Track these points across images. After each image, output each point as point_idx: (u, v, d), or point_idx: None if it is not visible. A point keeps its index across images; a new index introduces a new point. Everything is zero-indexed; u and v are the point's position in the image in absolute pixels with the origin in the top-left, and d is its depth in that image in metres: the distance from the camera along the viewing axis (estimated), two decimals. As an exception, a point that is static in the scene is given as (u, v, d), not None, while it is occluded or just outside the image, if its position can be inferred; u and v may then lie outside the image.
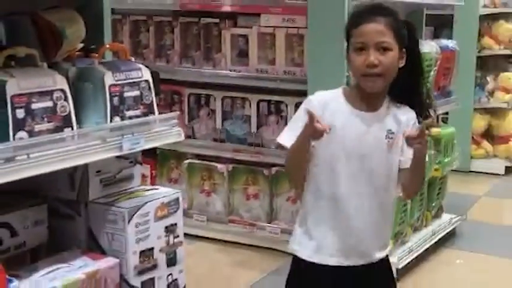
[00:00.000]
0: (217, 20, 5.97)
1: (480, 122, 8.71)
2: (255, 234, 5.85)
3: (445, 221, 6.12)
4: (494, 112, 8.83)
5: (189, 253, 5.47)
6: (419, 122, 2.97)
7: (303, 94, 4.97)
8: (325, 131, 2.64)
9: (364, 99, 2.88)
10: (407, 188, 3.08)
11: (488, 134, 8.89)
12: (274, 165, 5.57)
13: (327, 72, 4.73)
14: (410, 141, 2.75)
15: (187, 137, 5.94)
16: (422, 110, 3.02)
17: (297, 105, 5.23)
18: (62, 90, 2.69)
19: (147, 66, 3.09)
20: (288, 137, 2.87)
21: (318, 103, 2.89)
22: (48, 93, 2.63)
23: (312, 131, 2.65)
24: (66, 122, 2.69)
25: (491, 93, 8.74)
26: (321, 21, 4.94)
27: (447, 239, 6.05)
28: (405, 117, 2.91)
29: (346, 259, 2.93)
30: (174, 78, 6.14)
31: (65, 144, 2.64)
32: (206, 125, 6.13)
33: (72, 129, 2.72)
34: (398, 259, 4.99)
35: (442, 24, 7.76)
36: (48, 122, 2.62)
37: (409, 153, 2.88)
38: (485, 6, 8.57)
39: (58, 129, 2.66)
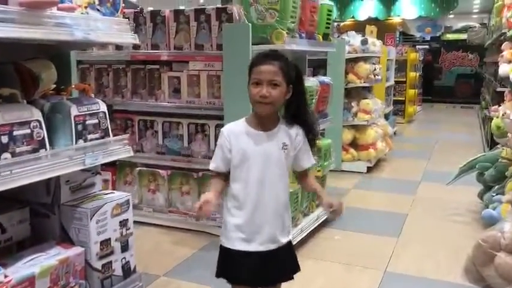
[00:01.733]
0: (158, 66, 5.85)
1: (348, 135, 8.72)
2: (187, 221, 5.75)
3: (326, 208, 6.01)
4: (358, 128, 8.85)
5: (140, 235, 5.40)
6: (308, 137, 2.99)
7: (221, 118, 5.09)
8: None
9: (262, 122, 2.86)
10: (306, 188, 3.36)
11: (354, 144, 8.88)
12: (200, 170, 5.47)
13: (237, 102, 4.52)
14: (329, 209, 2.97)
15: (137, 151, 5.95)
16: (309, 128, 3.00)
17: (217, 126, 5.39)
18: (38, 121, 2.52)
19: (103, 101, 2.92)
20: (213, 164, 2.94)
21: (227, 133, 2.90)
22: (27, 123, 2.46)
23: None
24: (41, 145, 2.52)
25: (355, 114, 8.74)
26: (232, 66, 4.92)
27: (327, 221, 5.97)
28: (295, 133, 2.91)
29: (259, 245, 2.86)
30: (128, 109, 6.06)
31: (40, 162, 2.48)
32: (151, 142, 5.98)
33: (46, 150, 2.53)
34: (292, 237, 4.82)
35: (319, 66, 7.71)
36: (27, 145, 2.45)
37: (303, 161, 2.99)
38: (349, 52, 8.62)
39: (35, 150, 2.48)
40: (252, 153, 2.82)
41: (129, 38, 2.89)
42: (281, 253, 2.94)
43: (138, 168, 6.05)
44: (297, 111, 2.93)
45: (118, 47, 5.98)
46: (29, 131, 2.46)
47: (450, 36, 23.97)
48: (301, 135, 2.94)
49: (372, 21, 15.07)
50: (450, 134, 13.54)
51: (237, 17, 5.25)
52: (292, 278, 3.05)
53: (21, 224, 2.88)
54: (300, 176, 3.09)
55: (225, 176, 2.93)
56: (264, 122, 2.86)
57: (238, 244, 2.87)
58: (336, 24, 15.36)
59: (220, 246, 2.96)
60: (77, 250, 2.75)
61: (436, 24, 23.23)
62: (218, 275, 2.98)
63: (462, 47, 22.91)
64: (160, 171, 5.92)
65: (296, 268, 3.09)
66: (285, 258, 3.00)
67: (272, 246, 2.89)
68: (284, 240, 2.96)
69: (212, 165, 2.93)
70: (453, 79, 22.66)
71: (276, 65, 2.76)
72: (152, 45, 5.81)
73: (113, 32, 2.78)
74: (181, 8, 5.69)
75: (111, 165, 6.11)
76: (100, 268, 2.87)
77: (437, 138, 12.60)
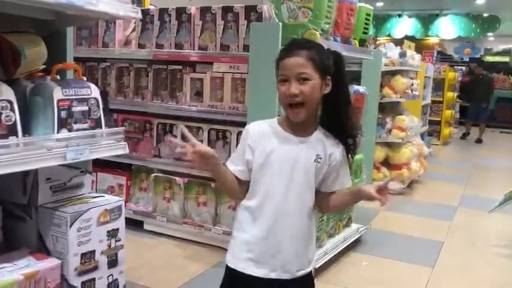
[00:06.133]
0: (180, 67, 5.53)
1: (380, 153, 8.29)
2: (203, 234, 5.35)
3: (354, 230, 5.58)
4: (391, 146, 8.44)
5: (152, 246, 5.24)
6: (348, 151, 2.44)
7: (244, 125, 4.56)
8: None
9: (295, 126, 2.34)
10: (329, 209, 2.54)
11: (386, 162, 8.46)
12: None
13: (262, 107, 4.35)
14: (378, 193, 2.27)
15: (154, 156, 5.67)
16: (348, 139, 2.43)
17: (239, 133, 5.00)
18: (8, 101, 2.06)
19: (98, 87, 2.46)
20: (229, 162, 2.42)
21: (252, 132, 2.39)
22: (-7, 104, 2.00)
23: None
24: (11, 131, 2.06)
25: (389, 131, 8.34)
26: (258, 69, 4.53)
27: (355, 244, 5.51)
28: (333, 149, 2.37)
29: (270, 271, 2.33)
30: (147, 111, 5.73)
31: (8, 151, 2.01)
32: (169, 147, 5.57)
33: (17, 137, 2.07)
34: (315, 260, 4.42)
35: (352, 78, 7.30)
36: (-8, 130, 1.98)
37: (337, 183, 2.44)
38: (386, 64, 8.23)
39: (2, 136, 2.02)
40: (277, 158, 2.31)
41: (129, 10, 2.44)
42: (297, 286, 2.41)
43: (154, 174, 5.71)
44: (336, 110, 2.40)
45: (140, 45, 5.71)
46: (-5, 113, 2.01)
47: (490, 58, 23.46)
48: (340, 150, 2.41)
49: (408, 39, 14.70)
50: (489, 159, 12.96)
51: (267, 16, 4.87)
52: None
53: (-10, 227, 2.44)
54: (325, 196, 2.47)
55: (239, 184, 2.40)
56: (298, 126, 2.35)
57: (245, 265, 2.35)
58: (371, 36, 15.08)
59: (226, 265, 2.45)
60: (51, 263, 2.29)
61: (475, 46, 22.79)
62: None
63: (503, 70, 22.35)
64: (176, 178, 5.56)
65: None
66: None
67: (285, 276, 2.35)
68: (302, 271, 2.42)
69: (228, 165, 2.40)
70: (493, 102, 22.04)
71: (302, 54, 2.26)
72: (176, 44, 5.50)
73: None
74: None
75: (127, 170, 5.86)
76: (79, 286, 2.41)
77: (475, 162, 12.08)
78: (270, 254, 2.31)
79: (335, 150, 2.38)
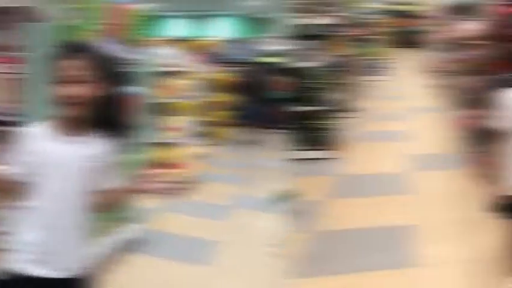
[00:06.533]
0: None
1: (154, 153, 8.31)
2: None
3: (131, 230, 5.73)
4: (165, 146, 8.64)
5: None
6: (120, 151, 2.63)
7: (19, 126, 4.56)
8: None
9: (70, 126, 2.46)
10: (103, 207, 2.73)
11: (160, 163, 8.48)
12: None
13: (38, 108, 4.36)
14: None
15: None
16: (122, 137, 2.62)
17: (14, 135, 4.83)
18: None
19: None
20: (5, 164, 2.48)
21: (28, 133, 2.50)
22: None
23: None
24: None
25: (163, 132, 8.59)
26: (34, 69, 4.62)
27: (132, 244, 5.63)
28: (105, 149, 2.53)
29: (52, 271, 2.46)
30: None
31: None
32: None
33: None
34: (93, 260, 4.53)
35: (125, 79, 7.35)
36: None
37: (113, 179, 2.62)
38: (159, 65, 8.40)
39: None
40: (53, 158, 2.44)
41: None
42: (73, 284, 2.55)
43: None
44: (109, 111, 2.55)
45: None
46: None
47: (264, 60, 24.18)
48: (112, 149, 2.58)
49: (181, 40, 14.99)
50: (263, 159, 12.88)
51: (42, 17, 4.87)
52: None
53: None
54: (99, 194, 2.62)
55: (16, 185, 2.49)
56: (72, 127, 2.48)
57: (26, 266, 2.45)
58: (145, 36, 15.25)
59: (6, 268, 2.50)
60: None
61: (249, 47, 23.46)
62: None
63: (276, 71, 23.01)
64: None
65: None
66: None
67: (66, 274, 2.50)
68: (82, 269, 2.58)
69: (6, 170, 2.48)
70: (266, 103, 22.72)
71: (80, 57, 2.42)
72: None
73: None
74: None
75: None
76: None
77: (250, 162, 12.23)
78: (50, 253, 2.44)
79: (107, 150, 2.55)
